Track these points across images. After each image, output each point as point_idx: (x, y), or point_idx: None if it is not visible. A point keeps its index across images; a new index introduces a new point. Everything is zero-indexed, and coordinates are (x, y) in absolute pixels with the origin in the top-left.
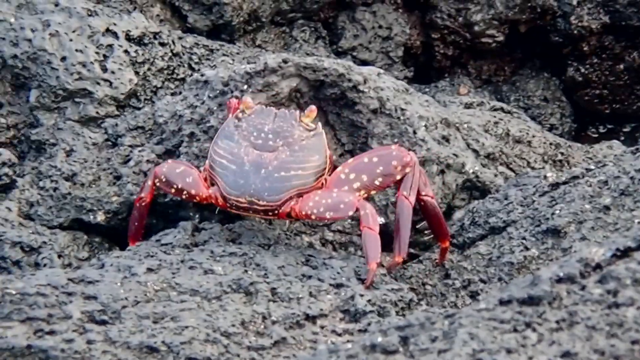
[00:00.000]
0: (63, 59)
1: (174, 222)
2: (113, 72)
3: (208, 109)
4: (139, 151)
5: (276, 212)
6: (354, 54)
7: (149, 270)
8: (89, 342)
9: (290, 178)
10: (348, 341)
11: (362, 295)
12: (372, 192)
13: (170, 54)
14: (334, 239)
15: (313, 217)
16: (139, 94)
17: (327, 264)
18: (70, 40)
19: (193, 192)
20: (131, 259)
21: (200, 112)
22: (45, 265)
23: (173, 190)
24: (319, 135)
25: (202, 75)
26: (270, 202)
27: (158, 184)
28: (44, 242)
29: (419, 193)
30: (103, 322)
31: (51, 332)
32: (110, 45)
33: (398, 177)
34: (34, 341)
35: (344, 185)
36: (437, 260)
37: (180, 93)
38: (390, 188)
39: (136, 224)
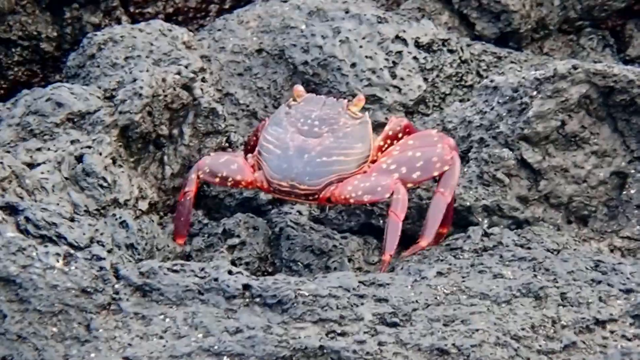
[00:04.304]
0: (353, 65)
1: (463, 227)
2: (402, 79)
3: (497, 114)
4: None
5: (316, 196)
6: None
7: (439, 274)
8: (380, 343)
9: (331, 163)
10: (639, 346)
11: None
12: (409, 185)
13: (458, 61)
14: (622, 245)
15: (352, 200)
16: (427, 100)
17: (617, 269)
18: (360, 47)
19: (238, 177)
20: (421, 263)
21: (490, 117)
22: (335, 268)
23: (217, 180)
24: (365, 123)
25: (491, 81)
26: (310, 186)
27: (202, 176)
28: (334, 246)
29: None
30: (394, 324)
31: (343, 334)
32: (400, 52)
33: (435, 174)
34: (327, 342)
35: (383, 174)
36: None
37: (469, 99)
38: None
39: (182, 219)
